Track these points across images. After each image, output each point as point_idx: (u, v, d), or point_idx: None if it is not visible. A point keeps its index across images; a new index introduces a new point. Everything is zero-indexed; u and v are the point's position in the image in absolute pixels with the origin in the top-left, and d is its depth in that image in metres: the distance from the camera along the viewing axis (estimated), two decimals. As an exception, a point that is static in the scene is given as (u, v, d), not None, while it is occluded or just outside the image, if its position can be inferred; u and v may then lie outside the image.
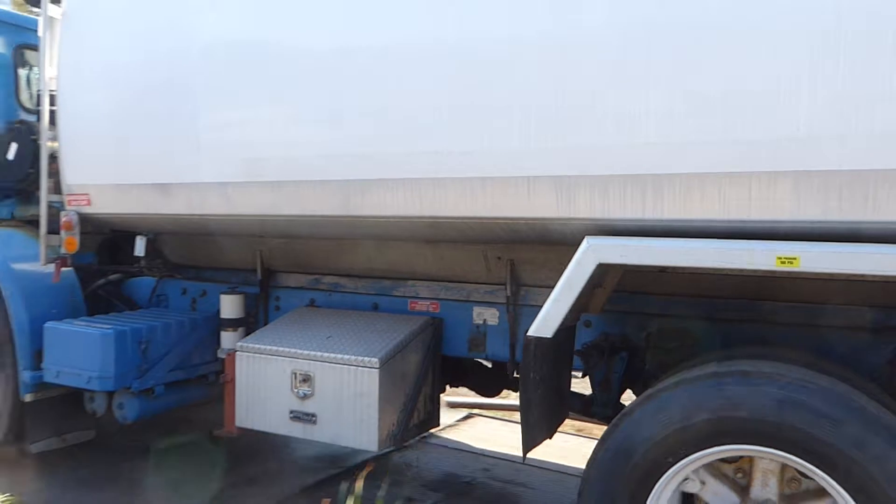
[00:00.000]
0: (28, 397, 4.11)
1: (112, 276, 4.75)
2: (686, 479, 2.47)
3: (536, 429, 2.78)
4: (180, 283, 4.59)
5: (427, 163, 2.92)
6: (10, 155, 4.43)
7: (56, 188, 4.05)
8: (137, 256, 4.49)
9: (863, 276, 2.30)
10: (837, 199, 2.32)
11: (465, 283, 3.69)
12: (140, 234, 4.40)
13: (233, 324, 4.16)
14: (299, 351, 3.50)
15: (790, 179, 2.36)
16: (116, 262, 4.81)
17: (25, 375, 4.07)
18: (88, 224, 4.07)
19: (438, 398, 3.87)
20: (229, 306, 4.17)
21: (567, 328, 3.12)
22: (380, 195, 3.06)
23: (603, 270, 2.62)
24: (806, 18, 2.27)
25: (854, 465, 2.15)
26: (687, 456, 2.39)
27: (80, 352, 3.86)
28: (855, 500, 2.16)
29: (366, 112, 3.01)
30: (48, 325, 4.00)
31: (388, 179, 3.02)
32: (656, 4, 2.46)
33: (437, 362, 3.75)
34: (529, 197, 2.76)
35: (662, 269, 2.80)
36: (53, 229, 4.07)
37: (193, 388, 4.27)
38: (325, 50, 3.08)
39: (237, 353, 3.68)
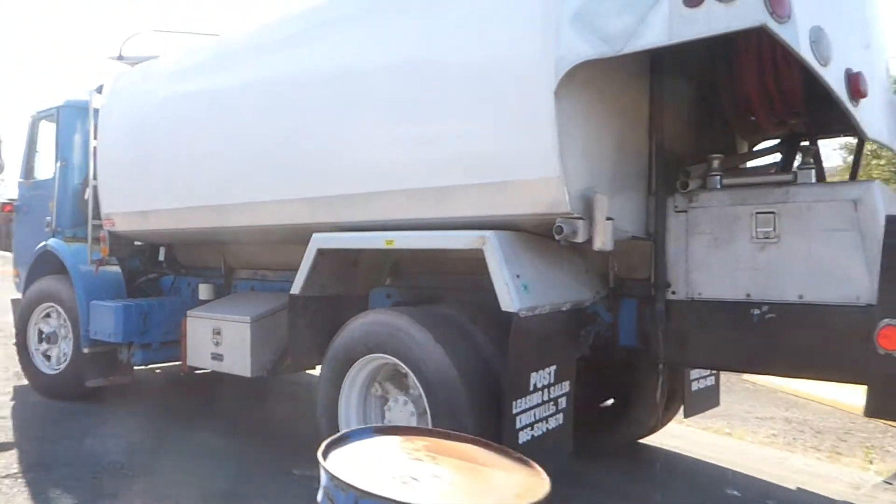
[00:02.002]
0: (85, 350, 6.35)
1: (150, 275, 6.97)
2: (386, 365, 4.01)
3: (305, 356, 4.46)
4: (186, 279, 6.70)
5: (247, 196, 4.74)
6: (87, 196, 6.79)
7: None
8: (160, 261, 6.73)
9: (429, 249, 3.80)
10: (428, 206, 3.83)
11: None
12: (161, 244, 6.63)
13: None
14: (215, 314, 5.41)
15: (404, 194, 3.90)
16: (155, 265, 7.02)
17: (83, 335, 6.33)
18: (118, 238, 6.29)
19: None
20: (204, 292, 6.19)
21: (357, 296, 4.76)
22: (232, 214, 4.93)
23: (327, 255, 4.25)
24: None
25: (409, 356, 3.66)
26: (365, 354, 3.96)
27: (106, 318, 6.06)
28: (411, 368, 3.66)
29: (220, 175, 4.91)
30: (93, 302, 6.25)
31: (234, 204, 4.87)
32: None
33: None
34: (296, 211, 4.49)
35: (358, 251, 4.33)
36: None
37: (183, 346, 6.32)
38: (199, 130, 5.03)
39: (187, 318, 5.66)
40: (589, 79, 3.30)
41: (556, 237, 3.31)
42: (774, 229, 3.31)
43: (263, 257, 5.88)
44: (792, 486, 4.82)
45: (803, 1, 2.88)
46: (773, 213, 3.32)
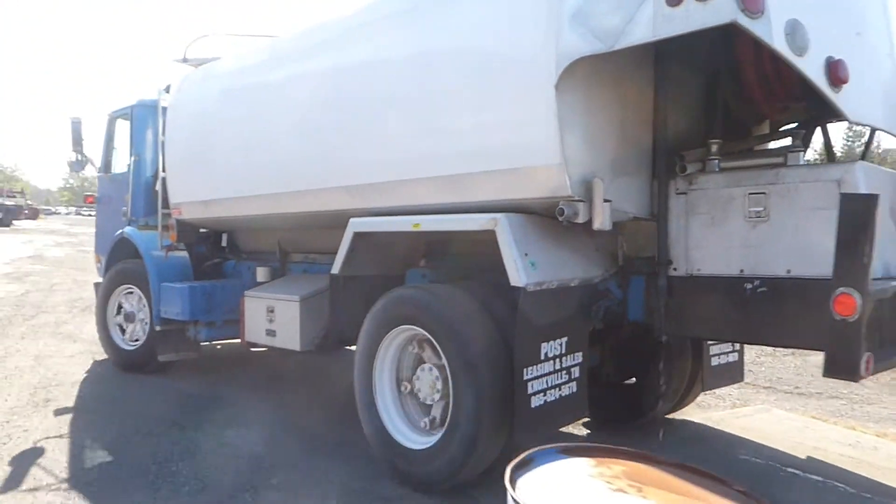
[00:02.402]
0: (157, 327, 7.00)
1: (215, 260, 7.58)
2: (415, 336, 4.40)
3: (345, 332, 4.90)
4: (246, 263, 7.27)
5: (294, 185, 5.22)
6: (158, 187, 7.45)
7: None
8: (223, 246, 7.33)
9: (452, 231, 4.17)
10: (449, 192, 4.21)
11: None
12: (223, 231, 7.22)
13: (264, 285, 6.73)
14: (269, 294, 5.93)
15: (428, 182, 4.29)
16: (219, 250, 7.62)
17: (154, 314, 6.98)
18: (184, 225, 6.89)
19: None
20: (261, 274, 6.74)
21: (395, 276, 5.17)
22: (283, 202, 5.42)
23: (363, 238, 4.68)
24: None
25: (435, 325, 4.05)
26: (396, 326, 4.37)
27: (174, 298, 6.68)
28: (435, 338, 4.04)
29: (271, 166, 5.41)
30: (163, 284, 6.88)
31: (284, 193, 5.37)
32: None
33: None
34: (336, 198, 4.94)
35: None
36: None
37: (244, 325, 6.89)
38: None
39: (245, 298, 6.21)
40: (591, 72, 3.60)
41: (559, 218, 3.64)
42: (765, 208, 3.55)
43: (314, 242, 6.36)
44: None
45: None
46: (763, 193, 3.55)
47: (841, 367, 2.99)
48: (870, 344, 2.92)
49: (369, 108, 4.49)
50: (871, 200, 2.90)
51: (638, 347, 5.18)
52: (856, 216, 2.91)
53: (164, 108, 6.87)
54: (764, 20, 3.00)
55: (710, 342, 5.06)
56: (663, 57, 3.92)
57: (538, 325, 3.82)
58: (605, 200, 3.60)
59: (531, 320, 3.76)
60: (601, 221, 3.61)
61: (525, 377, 3.74)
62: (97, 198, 8.73)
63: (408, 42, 4.28)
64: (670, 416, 5.80)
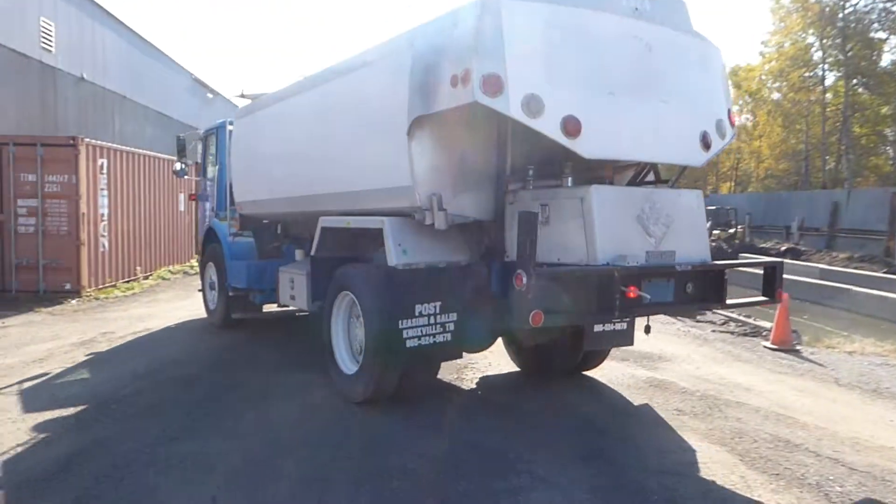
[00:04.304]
0: (230, 293, 9.45)
1: (274, 244, 9.90)
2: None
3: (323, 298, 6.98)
4: (292, 246, 9.54)
5: (295, 192, 7.35)
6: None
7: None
8: (278, 234, 9.66)
9: (366, 228, 6.10)
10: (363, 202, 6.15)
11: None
12: (277, 222, 9.55)
13: (301, 263, 8.96)
14: (292, 269, 8.13)
15: (350, 195, 6.25)
16: (276, 236, 9.93)
17: (228, 284, 9.43)
18: (246, 218, 9.26)
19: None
20: (298, 255, 8.95)
21: (366, 257, 7.18)
22: (293, 203, 7.58)
23: (327, 231, 6.70)
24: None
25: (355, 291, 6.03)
26: (341, 291, 6.40)
27: (237, 272, 9.09)
28: (357, 300, 6.01)
29: (284, 177, 7.58)
30: (231, 261, 9.30)
31: (288, 197, 7.52)
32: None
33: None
34: (315, 202, 7.01)
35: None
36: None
37: (288, 292, 9.16)
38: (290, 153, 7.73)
39: (279, 272, 8.44)
40: (435, 123, 5.35)
41: (416, 220, 5.47)
42: (548, 216, 5.17)
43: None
44: None
45: (526, 76, 4.72)
46: (547, 205, 5.17)
47: (517, 319, 4.59)
48: (537, 305, 4.49)
49: (323, 143, 6.54)
50: (533, 216, 4.47)
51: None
52: (525, 224, 4.49)
53: (231, 130, 9.27)
54: (503, 98, 4.65)
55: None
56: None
57: (412, 292, 5.65)
58: (441, 210, 5.37)
59: (404, 288, 5.62)
60: (439, 224, 5.39)
61: (400, 326, 5.59)
62: (198, 196, 11.42)
63: (340, 105, 6.30)
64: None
